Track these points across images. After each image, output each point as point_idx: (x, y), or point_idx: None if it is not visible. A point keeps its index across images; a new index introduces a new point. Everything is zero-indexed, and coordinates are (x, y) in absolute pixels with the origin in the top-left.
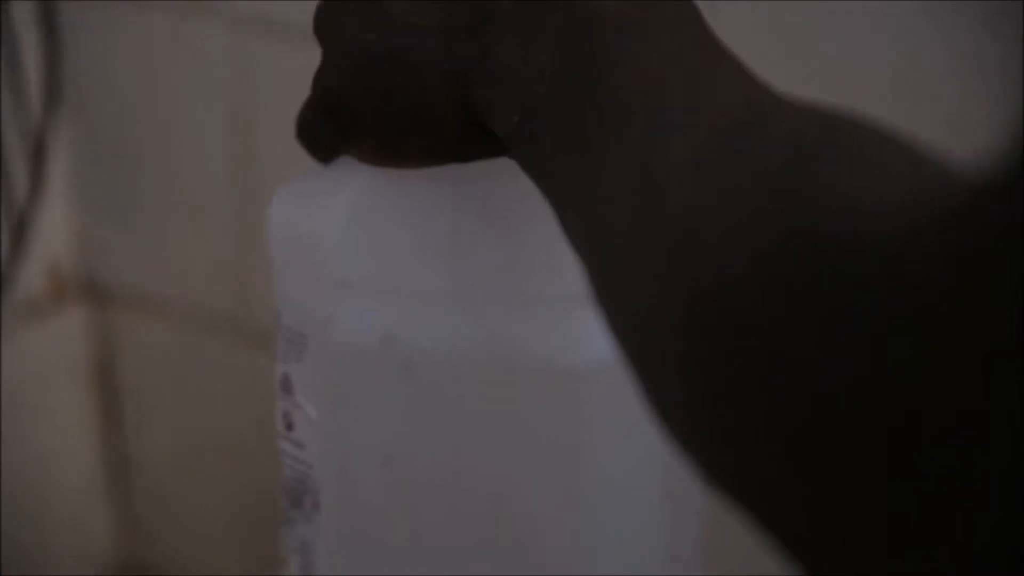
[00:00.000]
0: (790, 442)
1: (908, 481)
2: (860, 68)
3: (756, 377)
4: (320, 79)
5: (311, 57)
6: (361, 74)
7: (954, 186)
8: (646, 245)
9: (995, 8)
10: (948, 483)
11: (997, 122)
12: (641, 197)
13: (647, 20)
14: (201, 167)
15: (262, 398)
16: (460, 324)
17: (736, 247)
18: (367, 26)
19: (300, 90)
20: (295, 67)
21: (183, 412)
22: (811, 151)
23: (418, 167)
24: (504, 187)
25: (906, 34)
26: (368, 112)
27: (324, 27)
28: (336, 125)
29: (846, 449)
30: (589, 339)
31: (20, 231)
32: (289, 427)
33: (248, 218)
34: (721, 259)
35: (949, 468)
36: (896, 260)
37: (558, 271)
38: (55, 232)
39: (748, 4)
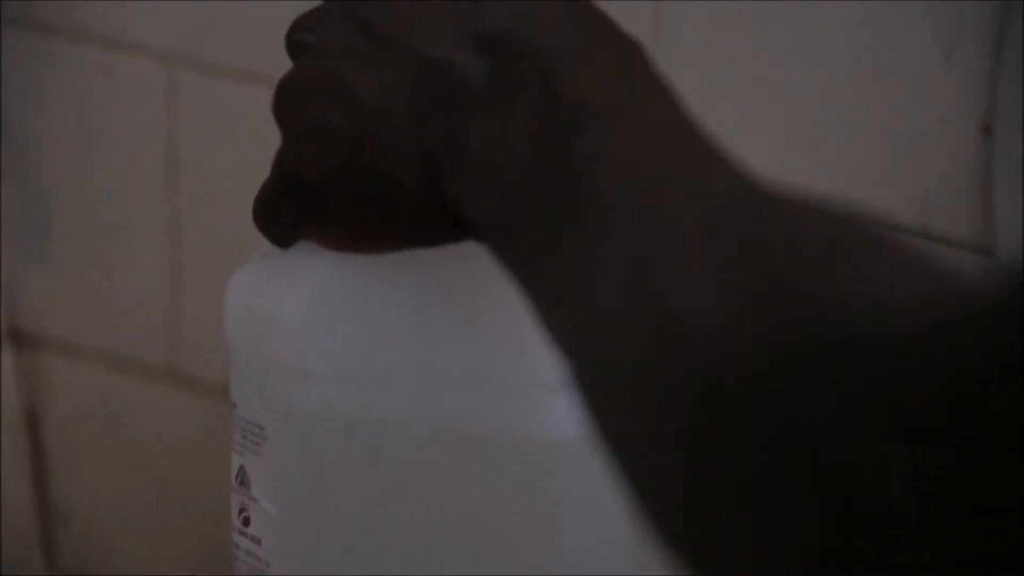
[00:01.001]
0: (774, 516)
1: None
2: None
3: (745, 463)
4: (281, 161)
5: (249, 93)
6: (325, 157)
7: (946, 288)
8: (633, 336)
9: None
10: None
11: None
12: (626, 290)
13: (626, 102)
14: (136, 210)
15: (196, 447)
16: (426, 411)
17: (729, 345)
18: (330, 106)
19: (239, 129)
20: (233, 104)
21: (116, 461)
22: (802, 246)
23: (383, 252)
24: (469, 271)
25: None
26: (333, 197)
27: (284, 107)
28: (298, 209)
29: (830, 526)
30: (557, 416)
31: None
32: (245, 522)
33: (184, 264)
34: (712, 357)
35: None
36: (890, 361)
37: (524, 355)
38: None
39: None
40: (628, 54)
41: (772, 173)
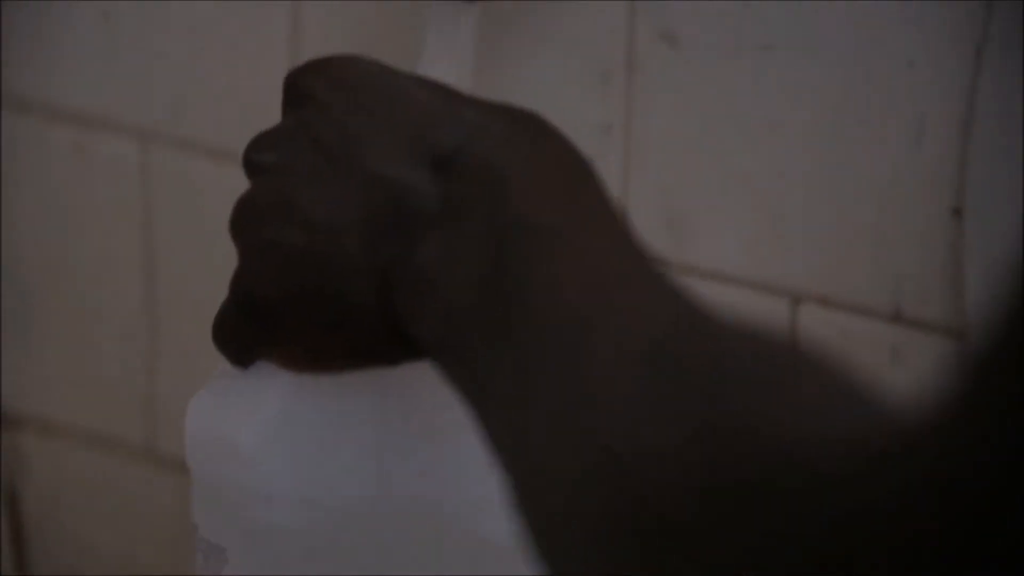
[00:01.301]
0: None
1: None
2: None
3: None
4: (238, 281)
5: (226, 171)
6: (280, 277)
7: (884, 421)
8: (569, 461)
9: None
10: None
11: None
12: (557, 420)
13: (571, 228)
14: (113, 289)
15: (174, 524)
16: (389, 531)
17: (663, 482)
18: (285, 226)
19: (214, 207)
20: (209, 182)
21: (95, 538)
22: (736, 381)
23: (341, 372)
24: (428, 389)
25: None
26: (288, 317)
27: (241, 227)
28: (254, 330)
29: None
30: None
31: None
32: None
33: (162, 343)
34: (648, 493)
35: None
36: (823, 495)
37: (485, 471)
38: None
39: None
40: (577, 175)
41: (741, 259)
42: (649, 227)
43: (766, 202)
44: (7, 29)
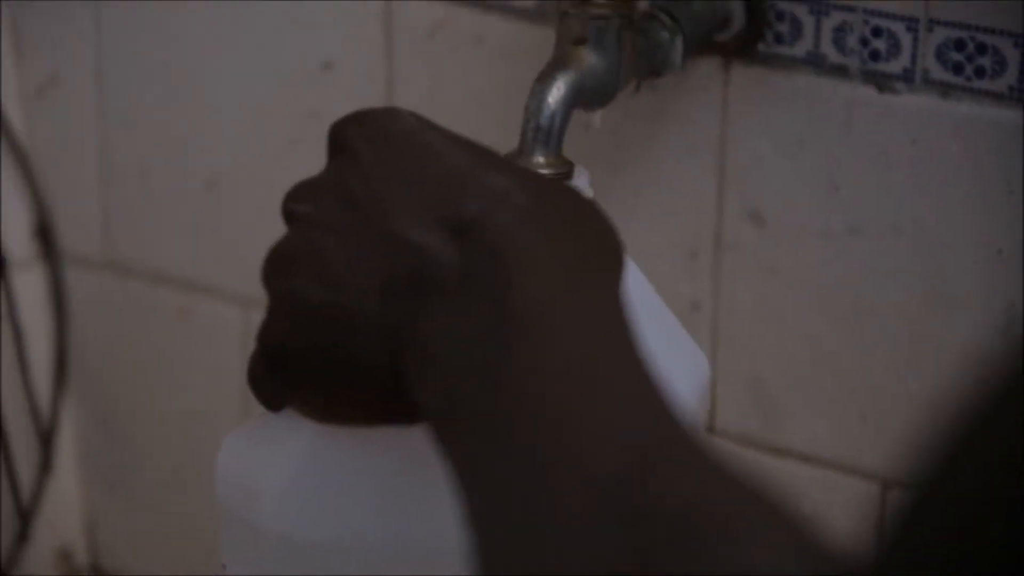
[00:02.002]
0: None
1: None
2: None
3: None
4: (264, 329)
5: None
6: (302, 330)
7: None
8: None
9: None
10: None
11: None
12: (515, 526)
13: (571, 325)
14: (213, 448)
15: None
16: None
17: None
18: (309, 279)
19: None
20: None
21: None
22: (693, 523)
23: (359, 425)
24: None
25: None
26: (308, 368)
27: (270, 275)
28: (279, 377)
29: None
30: None
31: (26, 516)
32: None
33: None
34: None
35: None
36: None
37: None
38: (63, 516)
39: None
40: (592, 256)
41: (830, 441)
42: (737, 405)
43: (855, 384)
44: (115, 198)
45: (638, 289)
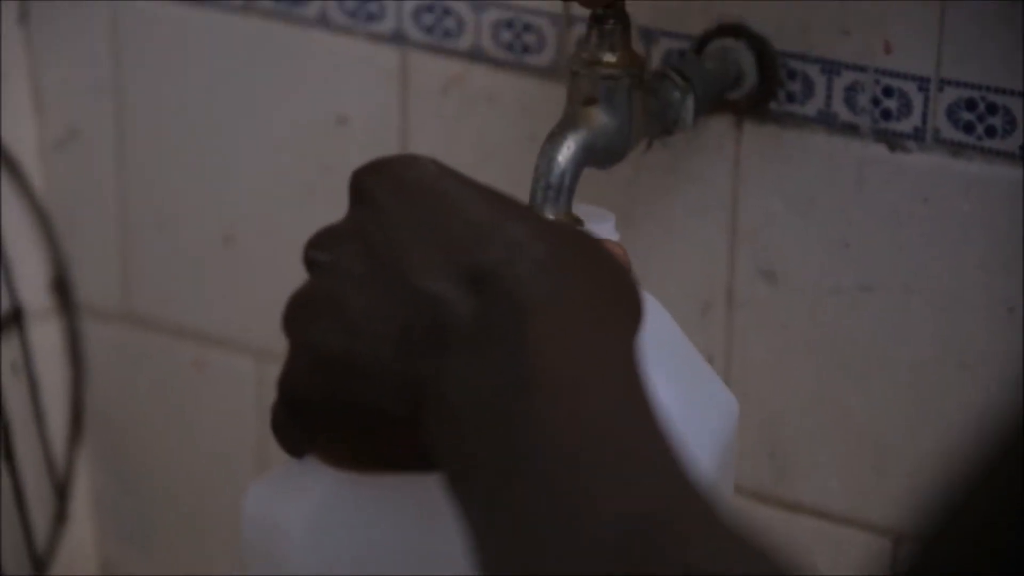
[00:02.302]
0: None
1: None
2: None
3: None
4: (284, 376)
5: None
6: (321, 378)
7: None
8: None
9: None
10: None
11: None
12: None
13: (584, 381)
14: (228, 500)
15: None
16: None
17: None
18: (329, 328)
19: None
20: None
21: None
22: None
23: (379, 473)
24: None
25: None
26: (328, 416)
27: (290, 323)
28: (299, 424)
29: None
30: None
31: (41, 566)
32: None
33: None
34: None
35: None
36: None
37: None
38: (78, 566)
39: None
40: (608, 310)
41: (842, 496)
42: (749, 460)
43: (866, 439)
44: (133, 250)
45: (664, 330)
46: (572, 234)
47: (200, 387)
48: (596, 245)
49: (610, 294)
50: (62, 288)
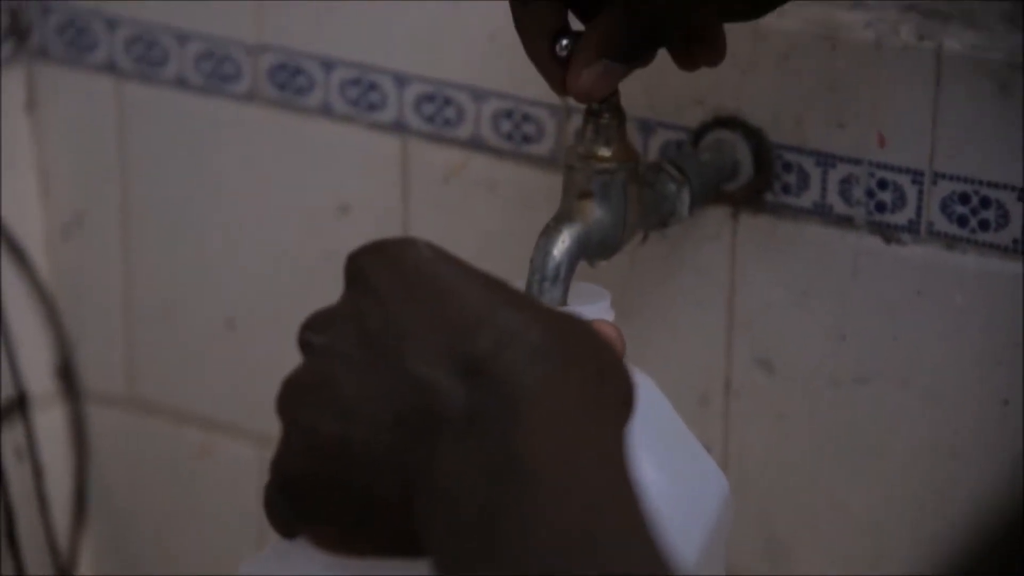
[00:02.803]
0: None
1: None
2: None
3: None
4: (277, 460)
5: None
6: (314, 461)
7: None
8: None
9: None
10: None
11: None
12: None
13: (573, 472)
14: None
15: None
16: None
17: None
18: (323, 410)
19: None
20: None
21: None
22: None
23: (370, 557)
24: None
25: None
26: (320, 498)
27: (284, 405)
28: (291, 507)
29: None
30: None
31: None
32: None
33: None
34: None
35: None
36: None
37: None
38: None
39: None
40: (598, 398)
41: (830, 574)
42: (747, 549)
43: (863, 529)
44: (137, 336)
45: (657, 410)
46: (565, 321)
47: (203, 472)
48: (589, 331)
49: (602, 382)
50: (67, 373)
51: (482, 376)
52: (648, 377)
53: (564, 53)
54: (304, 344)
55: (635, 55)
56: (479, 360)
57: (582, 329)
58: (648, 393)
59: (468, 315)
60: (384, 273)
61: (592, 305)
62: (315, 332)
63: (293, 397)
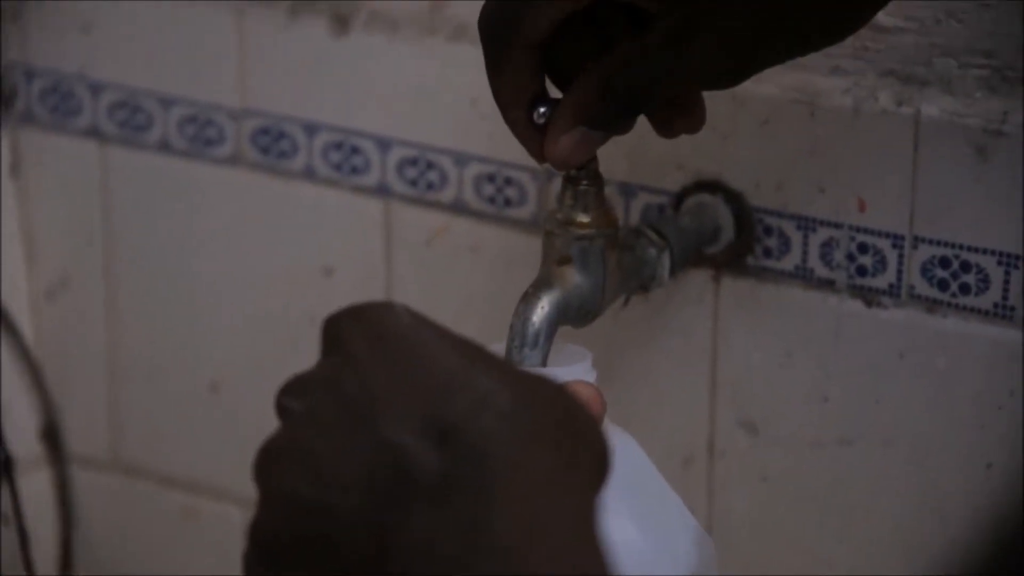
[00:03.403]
0: None
1: None
2: None
3: None
4: (254, 526)
5: None
6: (290, 526)
7: None
8: None
9: None
10: None
11: None
12: None
13: (542, 544)
14: None
15: None
16: None
17: None
18: (299, 475)
19: None
20: None
21: None
22: None
23: None
24: None
25: None
26: (296, 564)
27: (260, 470)
28: (272, 571)
29: None
30: None
31: None
32: None
33: None
34: None
35: None
36: None
37: None
38: None
39: None
40: (570, 464)
41: None
42: None
43: None
44: (122, 399)
45: (637, 470)
46: (540, 384)
47: (188, 535)
48: (563, 395)
49: (576, 446)
50: (52, 437)
51: (455, 442)
52: (628, 435)
53: (542, 120)
54: (281, 409)
55: (612, 123)
56: (453, 425)
57: (557, 392)
58: (628, 451)
59: (443, 379)
60: (361, 338)
61: (572, 366)
62: (292, 397)
63: (270, 462)
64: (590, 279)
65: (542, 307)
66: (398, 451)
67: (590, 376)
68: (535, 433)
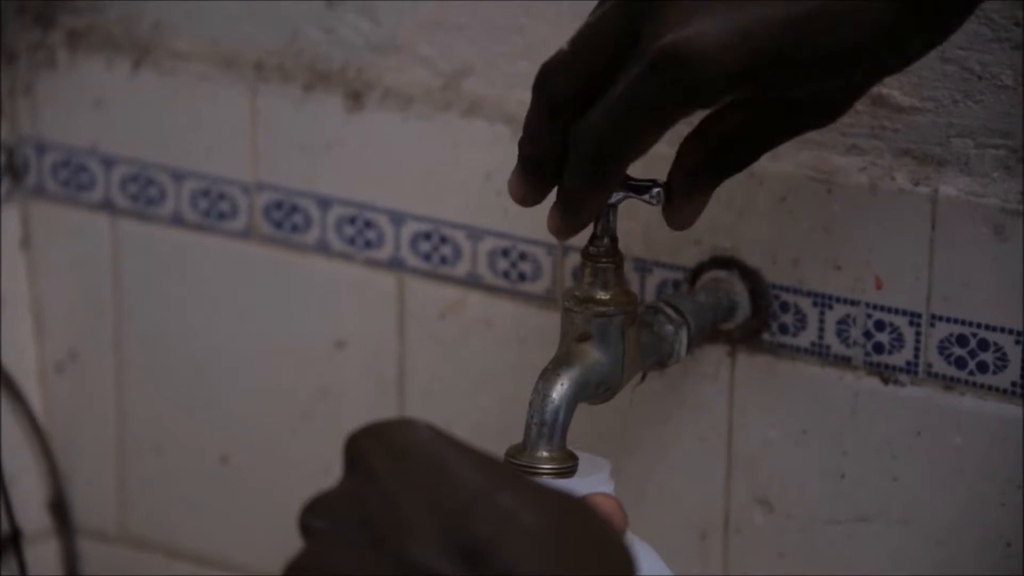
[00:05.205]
0: None
1: None
2: None
3: None
4: None
5: None
6: None
7: None
8: None
9: None
10: None
11: None
12: None
13: None
14: None
15: None
16: None
17: None
18: None
19: None
20: None
21: None
22: None
23: None
24: None
25: None
26: None
27: None
28: None
29: None
30: None
31: None
32: None
33: None
34: None
35: None
36: None
37: None
38: None
39: None
40: (596, 571)
41: None
42: None
43: None
44: (130, 472)
45: None
46: (562, 500)
47: None
48: (587, 510)
49: (601, 562)
50: (60, 510)
51: (483, 563)
52: (649, 547)
53: (655, 202)
54: (305, 528)
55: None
56: (479, 545)
57: (580, 507)
58: (650, 563)
59: (466, 498)
60: (383, 455)
61: (590, 477)
62: (316, 515)
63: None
64: (609, 356)
65: (562, 384)
66: (424, 571)
67: (609, 487)
68: (561, 550)
